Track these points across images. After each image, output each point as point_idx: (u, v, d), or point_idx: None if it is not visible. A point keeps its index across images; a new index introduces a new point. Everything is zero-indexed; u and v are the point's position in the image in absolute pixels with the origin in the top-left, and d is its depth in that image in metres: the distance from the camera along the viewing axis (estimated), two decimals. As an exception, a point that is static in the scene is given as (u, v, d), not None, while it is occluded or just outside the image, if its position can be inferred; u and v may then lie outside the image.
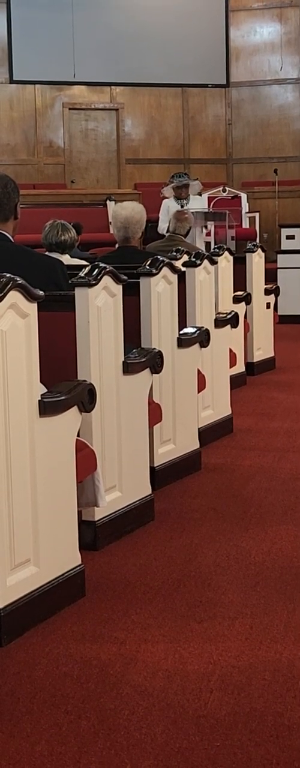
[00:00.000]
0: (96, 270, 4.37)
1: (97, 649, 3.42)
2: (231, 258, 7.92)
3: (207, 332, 5.77)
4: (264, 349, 9.14)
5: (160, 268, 5.27)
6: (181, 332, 5.56)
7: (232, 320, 6.64)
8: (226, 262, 7.75)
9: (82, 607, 3.78)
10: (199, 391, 5.81)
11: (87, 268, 4.41)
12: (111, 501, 4.46)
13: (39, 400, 3.57)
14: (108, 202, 14.90)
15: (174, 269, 5.44)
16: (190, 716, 2.94)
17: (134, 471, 4.67)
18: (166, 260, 5.42)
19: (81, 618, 3.68)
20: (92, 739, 2.83)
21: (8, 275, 3.42)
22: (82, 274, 4.37)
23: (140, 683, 3.15)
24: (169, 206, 12.29)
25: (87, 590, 3.89)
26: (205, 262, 6.28)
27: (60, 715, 2.96)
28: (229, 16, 17.66)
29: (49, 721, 2.93)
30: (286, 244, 13.61)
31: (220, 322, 6.46)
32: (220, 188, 15.76)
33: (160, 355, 4.87)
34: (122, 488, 4.57)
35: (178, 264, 6.22)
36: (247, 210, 16.06)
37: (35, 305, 3.56)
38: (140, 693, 3.08)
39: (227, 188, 16.01)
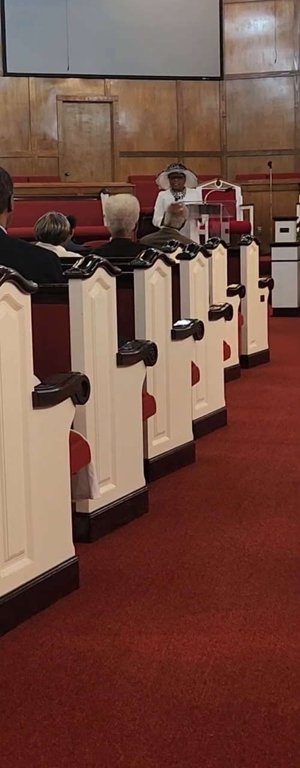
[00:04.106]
0: (90, 262, 4.37)
1: (91, 640, 3.42)
2: (225, 251, 7.91)
3: (201, 325, 5.77)
4: (258, 341, 9.15)
5: (154, 261, 5.26)
6: (175, 324, 5.56)
7: (226, 313, 6.64)
8: (220, 254, 7.75)
9: (75, 599, 3.78)
10: (193, 384, 5.81)
11: (81, 261, 4.41)
12: (105, 493, 4.46)
13: (32, 392, 3.56)
14: (102, 195, 14.88)
15: (168, 261, 5.44)
16: (184, 707, 2.94)
17: (128, 463, 4.67)
18: (160, 252, 5.42)
19: (75, 610, 3.68)
20: (86, 731, 2.83)
21: (2, 267, 3.41)
22: (75, 266, 4.36)
23: (134, 675, 3.15)
24: (164, 199, 12.27)
25: (81, 582, 3.89)
26: (199, 254, 6.28)
27: (54, 707, 2.96)
28: (223, 8, 17.64)
29: (42, 712, 2.94)
30: (280, 237, 13.59)
31: (214, 315, 6.46)
32: (215, 181, 15.74)
33: (154, 347, 4.87)
34: (116, 480, 4.57)
35: (172, 256, 6.21)
36: (242, 203, 16.06)
37: (29, 297, 3.55)
38: (134, 684, 3.09)
39: (221, 181, 15.98)
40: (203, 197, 14.13)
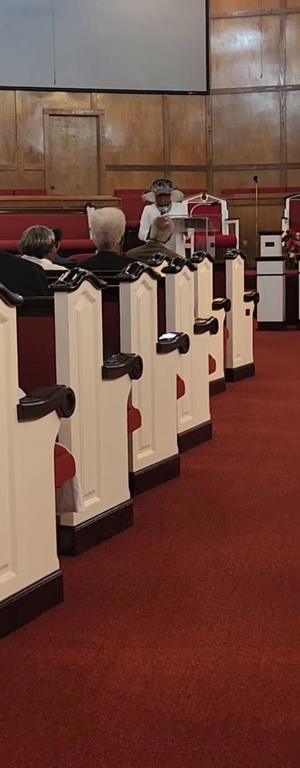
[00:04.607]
0: (75, 275, 4.37)
1: (75, 654, 3.41)
2: (210, 264, 7.94)
3: (186, 338, 5.78)
4: (243, 355, 9.17)
5: (140, 274, 5.27)
6: (161, 338, 5.57)
7: (212, 326, 6.65)
8: (205, 268, 7.77)
9: (60, 612, 3.77)
10: (178, 397, 5.82)
11: (66, 274, 4.41)
12: (89, 506, 4.45)
13: (18, 405, 3.56)
14: (88, 208, 14.88)
15: (153, 275, 5.45)
16: (168, 721, 2.94)
17: (113, 476, 4.66)
18: (146, 266, 5.42)
19: (59, 623, 3.67)
20: (70, 745, 2.82)
21: (-13, 279, 3.41)
22: (61, 279, 4.36)
23: (118, 688, 3.15)
24: (150, 213, 12.28)
25: (65, 596, 3.88)
26: (185, 268, 6.29)
27: (37, 721, 2.95)
28: (209, 23, 17.69)
29: (26, 726, 2.92)
30: (265, 251, 13.66)
31: (199, 328, 6.47)
32: (200, 195, 15.79)
33: (139, 360, 4.87)
34: (101, 493, 4.56)
35: (158, 270, 6.22)
36: (227, 217, 16.11)
37: (14, 310, 3.55)
38: (118, 698, 3.08)
39: (207, 195, 16.03)
40: (189, 211, 14.16)
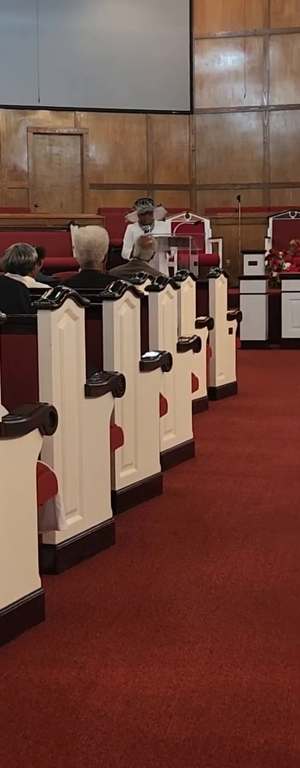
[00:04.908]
0: (58, 293, 4.37)
1: (57, 673, 3.39)
2: (194, 283, 7.95)
3: (169, 356, 5.79)
4: (226, 374, 9.18)
5: (123, 292, 5.28)
6: (144, 356, 5.57)
7: (195, 345, 6.66)
8: (188, 287, 7.79)
9: (41, 631, 3.76)
10: (161, 415, 5.82)
11: (49, 291, 4.40)
12: (72, 524, 4.44)
13: (0, 423, 3.55)
14: (71, 226, 14.89)
15: (137, 293, 5.45)
16: (150, 741, 2.93)
17: (95, 494, 4.65)
18: (129, 284, 5.43)
19: (40, 642, 3.65)
20: (50, 764, 2.80)
21: None
22: (44, 296, 4.36)
23: (99, 708, 3.13)
24: (133, 231, 12.29)
25: (47, 614, 3.86)
26: (168, 286, 6.30)
27: (18, 740, 2.93)
28: (193, 43, 17.78)
29: (6, 746, 2.90)
30: (248, 270, 13.71)
31: (182, 347, 6.48)
32: (184, 214, 15.84)
33: (122, 378, 4.87)
34: (83, 512, 4.55)
35: (141, 288, 6.23)
36: (210, 236, 16.16)
37: (-4, 327, 3.54)
38: (99, 718, 3.07)
39: (190, 214, 16.09)
40: (172, 230, 14.20)
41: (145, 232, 11.73)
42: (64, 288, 4.44)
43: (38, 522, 3.91)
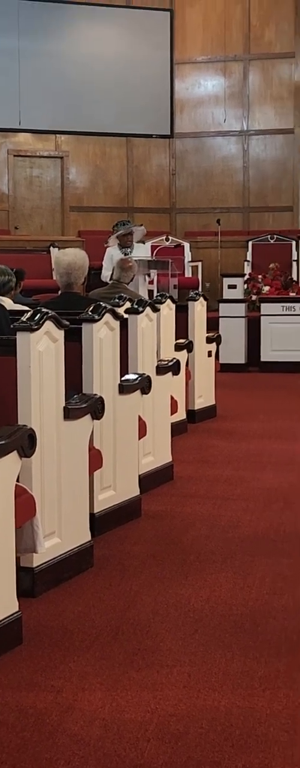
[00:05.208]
0: (38, 315, 4.36)
1: (34, 697, 3.37)
2: (173, 306, 7.97)
3: (148, 379, 5.79)
4: (205, 396, 9.20)
5: (103, 315, 5.28)
6: (123, 379, 5.57)
7: (174, 367, 6.67)
8: (168, 309, 7.80)
9: (18, 654, 3.73)
10: (139, 438, 5.81)
11: (29, 313, 4.40)
12: (50, 547, 4.42)
13: (-23, 444, 3.53)
14: (51, 248, 14.90)
15: (116, 316, 5.46)
16: (127, 765, 2.91)
17: (74, 517, 4.64)
18: (109, 307, 5.43)
19: (17, 666, 3.63)
20: (27, 789, 2.78)
21: None
22: (24, 318, 4.35)
23: (77, 732, 3.12)
24: (112, 254, 12.31)
25: (24, 638, 3.84)
26: (148, 309, 6.31)
27: (-5, 765, 2.92)
28: (173, 68, 17.85)
29: (-17, 771, 2.88)
30: (227, 293, 13.78)
31: (161, 369, 6.48)
32: (164, 237, 15.88)
33: (101, 401, 4.87)
34: (61, 534, 4.53)
35: (121, 311, 6.23)
36: (190, 259, 16.21)
37: (-25, 348, 3.53)
38: (77, 742, 3.05)
39: (170, 237, 16.13)
40: (152, 253, 14.22)
41: (125, 254, 11.75)
42: (44, 310, 4.44)
43: (16, 544, 3.89)
